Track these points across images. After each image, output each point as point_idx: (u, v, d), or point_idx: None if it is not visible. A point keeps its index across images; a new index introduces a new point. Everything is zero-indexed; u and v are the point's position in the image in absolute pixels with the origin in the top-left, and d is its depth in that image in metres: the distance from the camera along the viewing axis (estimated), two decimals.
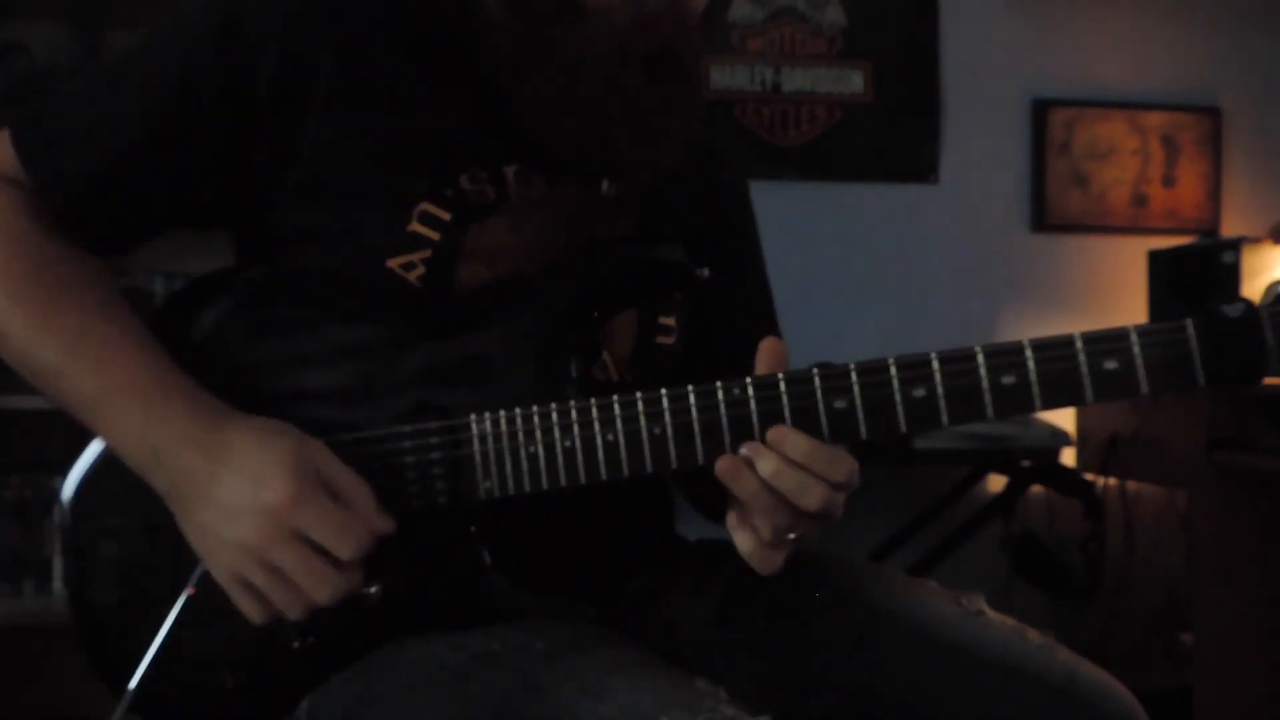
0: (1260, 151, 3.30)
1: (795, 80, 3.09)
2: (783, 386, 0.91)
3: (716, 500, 1.19)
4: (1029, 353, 0.89)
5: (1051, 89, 3.21)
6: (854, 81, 3.12)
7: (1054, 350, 0.89)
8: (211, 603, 0.97)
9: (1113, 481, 2.95)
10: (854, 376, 0.90)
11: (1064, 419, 3.01)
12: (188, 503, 0.93)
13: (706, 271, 1.07)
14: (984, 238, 3.16)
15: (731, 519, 0.93)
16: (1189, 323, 0.88)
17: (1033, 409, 0.89)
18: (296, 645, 0.98)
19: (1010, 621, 1.03)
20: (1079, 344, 0.88)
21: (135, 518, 1.02)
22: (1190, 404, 2.68)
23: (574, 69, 0.98)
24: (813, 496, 0.89)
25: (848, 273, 3.09)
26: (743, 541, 0.93)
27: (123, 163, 1.01)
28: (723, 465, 0.90)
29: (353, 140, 1.00)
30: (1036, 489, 2.81)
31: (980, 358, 0.89)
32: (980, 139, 3.18)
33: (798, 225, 3.05)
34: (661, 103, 1.01)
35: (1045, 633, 1.02)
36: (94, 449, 1.05)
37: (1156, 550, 3.04)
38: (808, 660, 1.04)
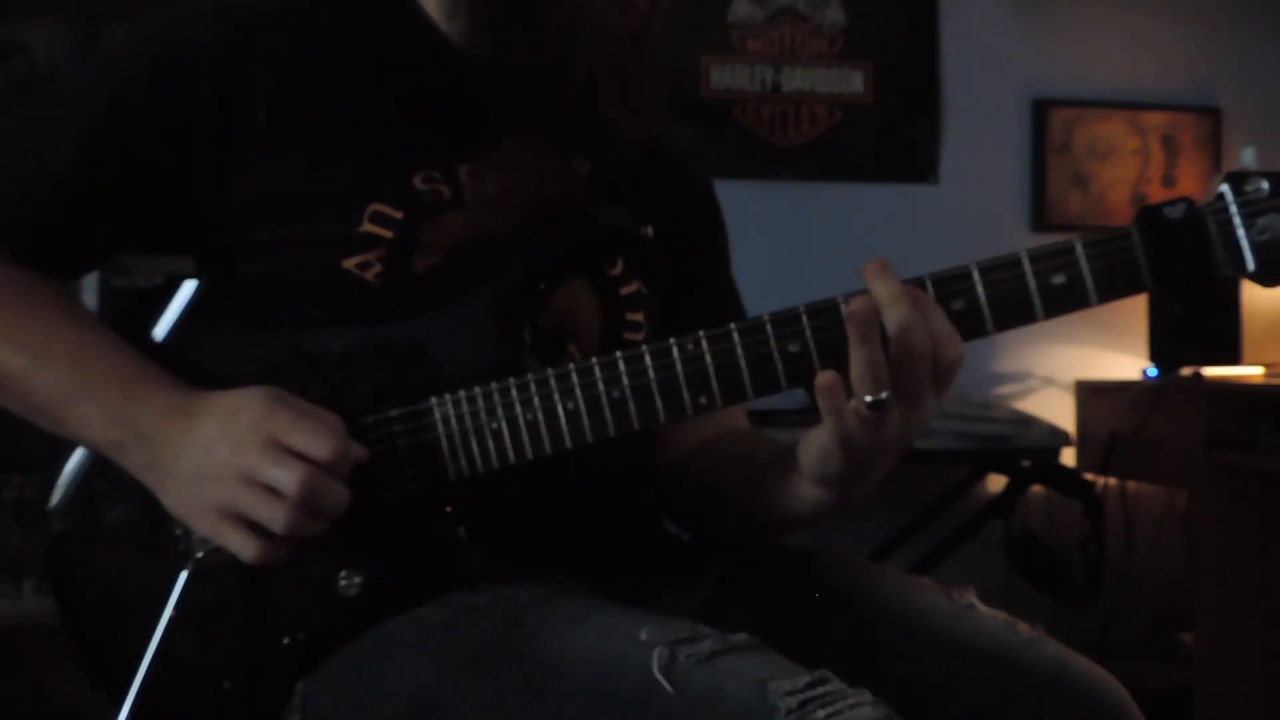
0: (1260, 151, 3.30)
1: (795, 80, 3.09)
2: (736, 336, 0.92)
3: (705, 508, 1.19)
4: (976, 276, 0.90)
5: (1051, 89, 3.21)
6: (854, 81, 3.12)
7: (1002, 272, 0.90)
8: (202, 609, 0.99)
9: (1113, 481, 2.95)
10: (805, 320, 0.92)
11: (1064, 419, 3.01)
12: (166, 462, 0.95)
13: (650, 230, 1.09)
14: (984, 238, 3.15)
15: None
16: (1132, 229, 0.89)
17: (985, 332, 0.90)
18: (287, 641, 0.99)
19: (1001, 615, 1.02)
20: (1026, 263, 0.89)
21: (121, 525, 1.03)
22: (1190, 404, 2.67)
23: (568, 36, 1.01)
24: (918, 335, 0.86)
25: (848, 273, 3.07)
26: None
27: (61, 195, 1.03)
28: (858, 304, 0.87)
29: (295, 157, 1.01)
30: (1036, 489, 2.80)
31: (929, 287, 0.90)
32: (980, 139, 3.18)
33: (798, 225, 3.05)
34: (643, 76, 1.04)
35: (1036, 626, 1.02)
36: (74, 460, 1.06)
37: (1156, 550, 3.03)
38: (799, 656, 1.03)
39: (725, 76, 3.07)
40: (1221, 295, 2.81)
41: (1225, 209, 0.89)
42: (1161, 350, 2.95)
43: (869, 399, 0.87)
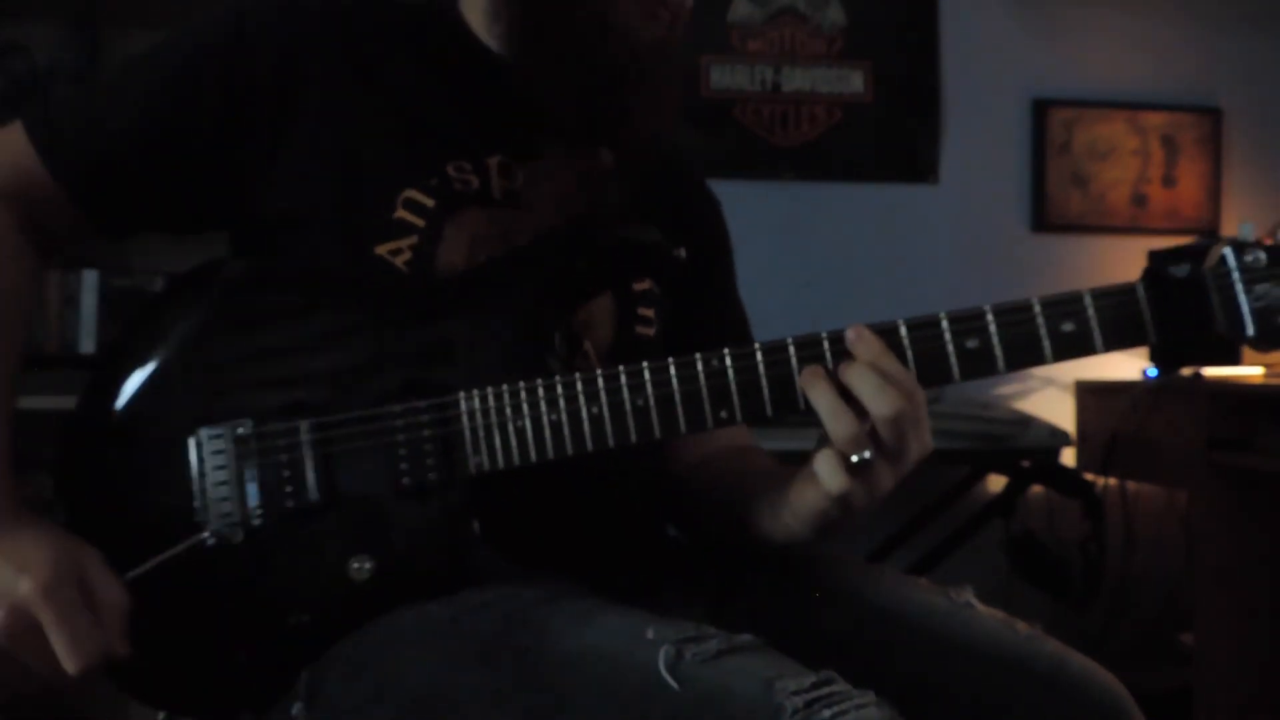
0: (1260, 151, 3.30)
1: (795, 80, 3.09)
2: (759, 356, 0.97)
3: (705, 520, 1.20)
4: (991, 317, 0.96)
5: (1051, 89, 3.21)
6: (854, 81, 3.12)
7: (1014, 315, 0.96)
8: (209, 584, 1.01)
9: (1113, 481, 2.95)
10: (826, 345, 0.96)
11: (1064, 419, 3.01)
12: None
13: (683, 252, 1.11)
14: (984, 238, 3.16)
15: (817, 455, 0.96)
16: (1138, 285, 0.95)
17: (996, 371, 0.96)
18: (293, 621, 1.01)
19: (998, 613, 1.03)
20: (1037, 308, 0.96)
21: (132, 493, 1.05)
22: (1190, 404, 2.67)
23: (599, 42, 1.07)
24: (887, 399, 0.91)
25: (848, 273, 3.09)
26: (820, 461, 0.95)
27: (126, 143, 1.07)
28: (805, 374, 0.94)
29: (340, 131, 1.07)
30: (1036, 489, 2.80)
31: (945, 324, 0.96)
32: (980, 139, 3.18)
33: (798, 225, 3.06)
34: (666, 75, 1.11)
35: (1035, 625, 1.02)
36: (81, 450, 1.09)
37: (1156, 550, 3.03)
38: (799, 656, 1.04)
39: (725, 76, 3.07)
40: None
41: (1228, 274, 0.94)
42: (1161, 350, 2.95)
43: (854, 459, 0.93)
